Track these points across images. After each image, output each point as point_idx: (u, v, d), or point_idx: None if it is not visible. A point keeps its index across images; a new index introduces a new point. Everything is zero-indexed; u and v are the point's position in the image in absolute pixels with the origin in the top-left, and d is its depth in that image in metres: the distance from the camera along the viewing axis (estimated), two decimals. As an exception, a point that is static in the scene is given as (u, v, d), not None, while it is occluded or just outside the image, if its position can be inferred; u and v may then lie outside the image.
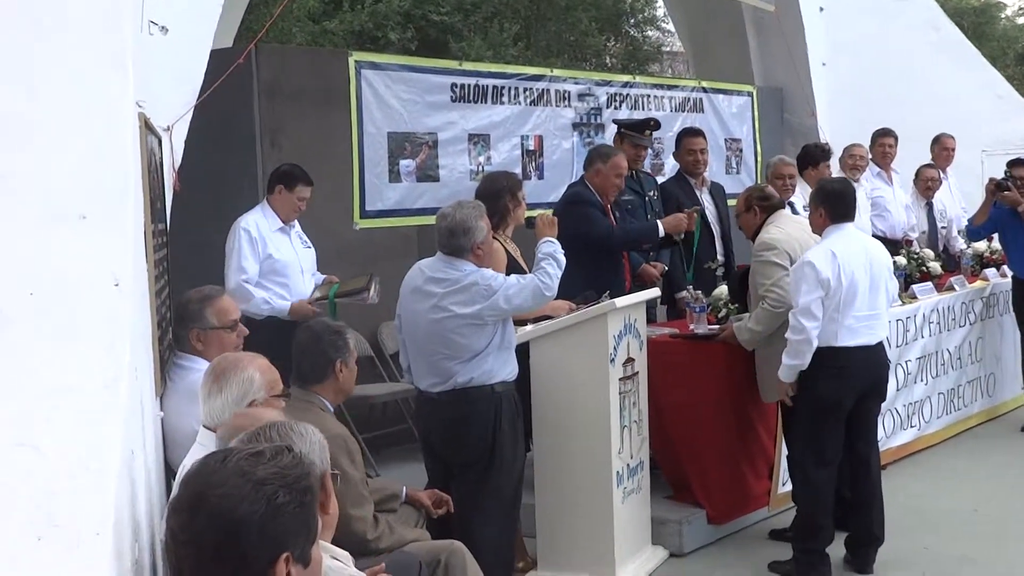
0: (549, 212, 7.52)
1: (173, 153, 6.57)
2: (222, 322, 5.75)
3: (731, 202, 10.31)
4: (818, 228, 7.32)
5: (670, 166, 10.79)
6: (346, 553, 3.56)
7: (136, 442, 3.96)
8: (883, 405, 8.64)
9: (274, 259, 7.83)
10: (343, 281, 8.09)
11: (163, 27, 6.13)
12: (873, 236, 10.54)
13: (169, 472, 5.18)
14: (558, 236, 6.83)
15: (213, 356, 5.19)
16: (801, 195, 10.11)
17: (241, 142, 9.14)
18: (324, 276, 8.19)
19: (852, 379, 7.08)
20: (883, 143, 11.88)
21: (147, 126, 5.38)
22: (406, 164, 9.47)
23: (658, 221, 8.71)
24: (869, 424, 7.32)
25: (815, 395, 7.12)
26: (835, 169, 11.25)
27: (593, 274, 7.89)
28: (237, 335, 5.79)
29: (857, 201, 7.62)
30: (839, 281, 7.00)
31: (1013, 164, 10.71)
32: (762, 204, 7.87)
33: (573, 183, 8.83)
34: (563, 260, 6.63)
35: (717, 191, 10.03)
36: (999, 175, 10.69)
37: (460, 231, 6.41)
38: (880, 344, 7.22)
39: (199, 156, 7.14)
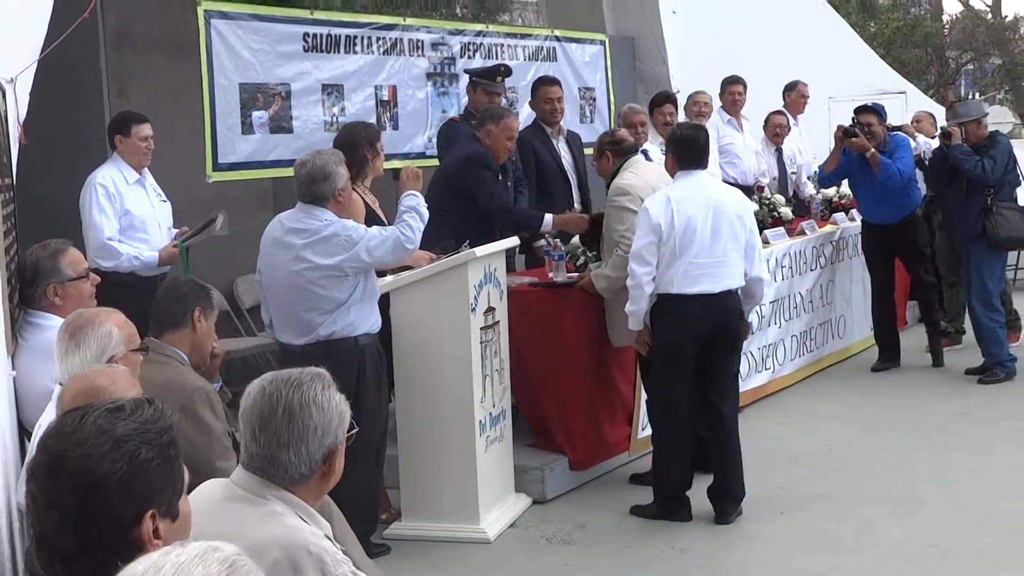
0: (413, 164, 7.44)
1: (18, 105, 6.37)
2: (77, 272, 5.60)
3: (587, 151, 10.38)
4: (671, 174, 7.39)
5: (525, 115, 10.76)
6: (326, 523, 3.46)
7: (-10, 402, 3.85)
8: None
9: (132, 214, 7.71)
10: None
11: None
12: (724, 183, 10.74)
13: (23, 431, 5.06)
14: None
15: (72, 309, 5.06)
16: (654, 143, 10.23)
17: (88, 94, 8.93)
18: (177, 230, 8.06)
19: (690, 327, 7.10)
20: (733, 91, 12.01)
21: (-9, 78, 5.21)
22: (259, 116, 9.29)
23: (549, 216, 8.57)
24: (721, 375, 7.30)
25: (656, 342, 7.24)
26: (682, 117, 11.33)
27: (468, 229, 7.78)
28: (91, 283, 5.66)
29: (709, 148, 7.58)
30: (671, 226, 7.04)
31: (860, 111, 10.89)
32: (613, 148, 7.96)
33: (468, 139, 8.65)
34: (426, 213, 6.59)
35: (573, 140, 10.04)
36: (846, 122, 10.87)
37: (320, 177, 6.34)
38: (726, 292, 7.16)
39: (45, 108, 6.94)
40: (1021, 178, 10.56)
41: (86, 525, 2.43)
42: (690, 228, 7.06)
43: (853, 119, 10.80)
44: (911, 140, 11.49)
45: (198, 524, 2.75)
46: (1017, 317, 11.62)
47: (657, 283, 7.12)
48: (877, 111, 10.84)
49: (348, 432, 3.45)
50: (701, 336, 7.13)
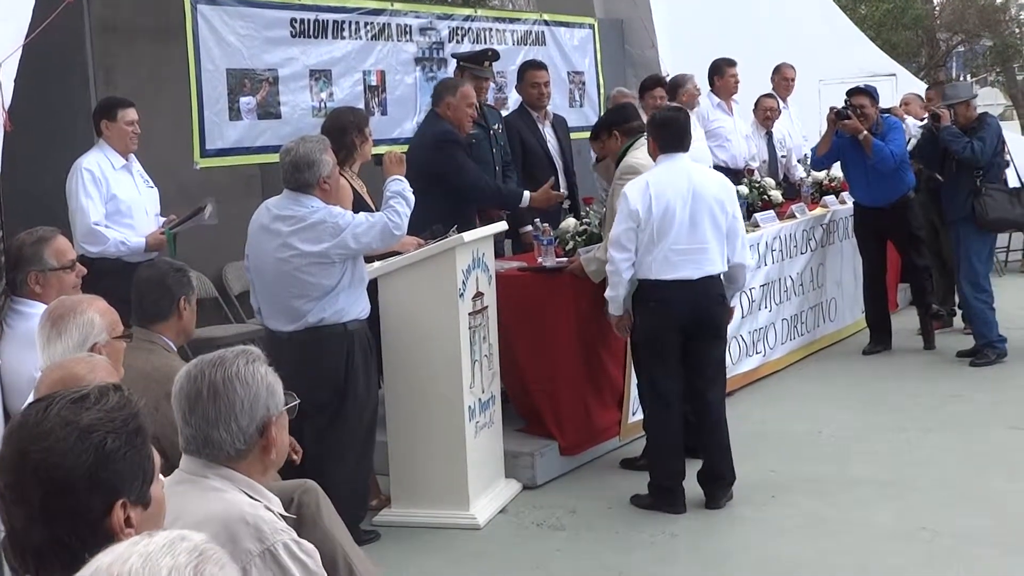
0: (397, 149, 7.41)
1: (2, 92, 6.34)
2: (61, 262, 5.58)
3: (574, 135, 10.37)
4: (653, 158, 7.33)
5: (514, 100, 10.73)
6: (275, 498, 3.49)
7: (-27, 390, 3.83)
8: (728, 333, 8.72)
9: (118, 200, 7.67)
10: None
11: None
12: (715, 166, 10.67)
13: (8, 420, 5.04)
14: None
15: (52, 298, 5.05)
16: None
17: (74, 80, 8.89)
18: (165, 219, 8.03)
19: (670, 313, 7.03)
20: (733, 74, 11.88)
21: (-26, 64, 5.18)
22: (246, 101, 9.27)
23: (526, 192, 8.59)
24: (705, 362, 7.21)
25: (637, 329, 7.21)
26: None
27: (446, 211, 7.73)
28: (76, 274, 5.63)
29: (691, 131, 7.51)
30: (649, 212, 6.97)
31: (852, 93, 10.86)
32: (621, 128, 7.87)
33: (430, 119, 8.62)
34: (412, 198, 6.57)
35: (560, 124, 10.01)
36: (837, 104, 10.83)
37: (304, 165, 6.31)
38: (707, 279, 7.06)
39: (31, 96, 6.91)
40: (1010, 159, 10.55)
41: (55, 519, 2.39)
42: (668, 214, 6.98)
43: (846, 101, 10.76)
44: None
45: None
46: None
47: (637, 269, 7.07)
48: (869, 93, 10.81)
49: (286, 405, 3.47)
50: (681, 323, 7.06)
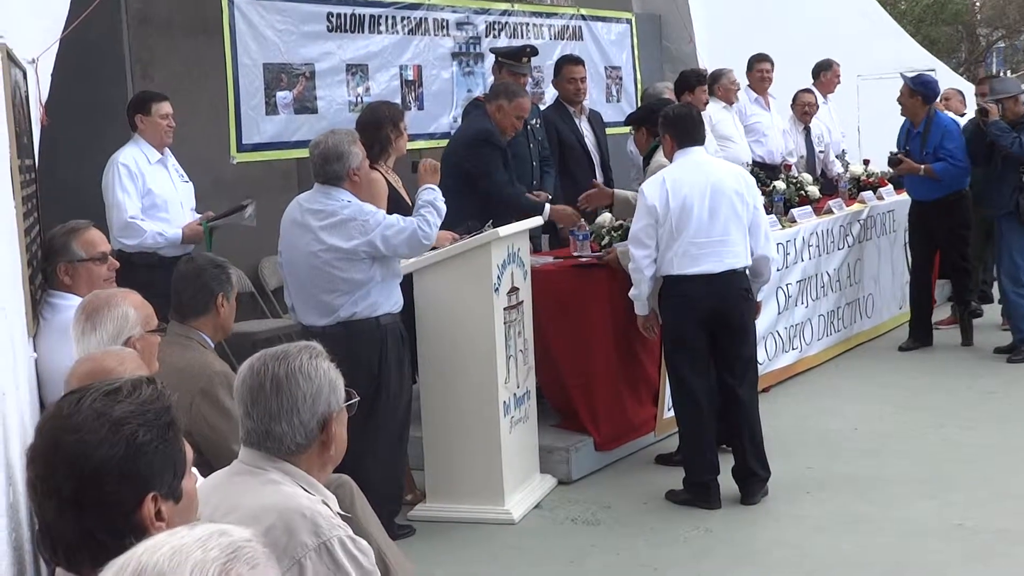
0: (431, 158, 7.39)
1: (39, 86, 6.35)
2: (90, 254, 5.56)
3: (610, 131, 10.33)
4: (668, 155, 7.33)
5: (551, 95, 10.71)
6: (331, 495, 3.52)
7: (7, 383, 3.83)
8: (764, 329, 8.70)
9: (154, 194, 7.68)
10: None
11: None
12: (752, 162, 10.65)
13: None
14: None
15: (83, 290, 5.05)
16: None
17: (110, 74, 8.91)
18: (200, 215, 8.03)
19: (692, 307, 7.03)
20: (761, 69, 11.90)
21: (10, 58, 5.19)
22: (283, 96, 9.28)
23: (548, 205, 8.50)
24: (734, 358, 7.19)
25: (664, 325, 7.23)
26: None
27: (483, 205, 7.68)
28: (108, 267, 5.61)
29: (704, 124, 7.54)
30: (667, 207, 6.98)
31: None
32: (651, 129, 7.90)
33: (475, 113, 8.57)
34: (443, 208, 6.56)
35: (595, 119, 9.99)
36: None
37: (334, 157, 6.32)
38: (730, 272, 7.06)
39: (68, 89, 6.93)
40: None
41: (86, 511, 2.38)
42: (686, 208, 6.99)
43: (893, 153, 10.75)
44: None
45: (203, 499, 2.75)
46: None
47: (659, 265, 7.09)
48: (908, 84, 10.73)
49: (347, 401, 3.48)
50: (703, 317, 7.05)
